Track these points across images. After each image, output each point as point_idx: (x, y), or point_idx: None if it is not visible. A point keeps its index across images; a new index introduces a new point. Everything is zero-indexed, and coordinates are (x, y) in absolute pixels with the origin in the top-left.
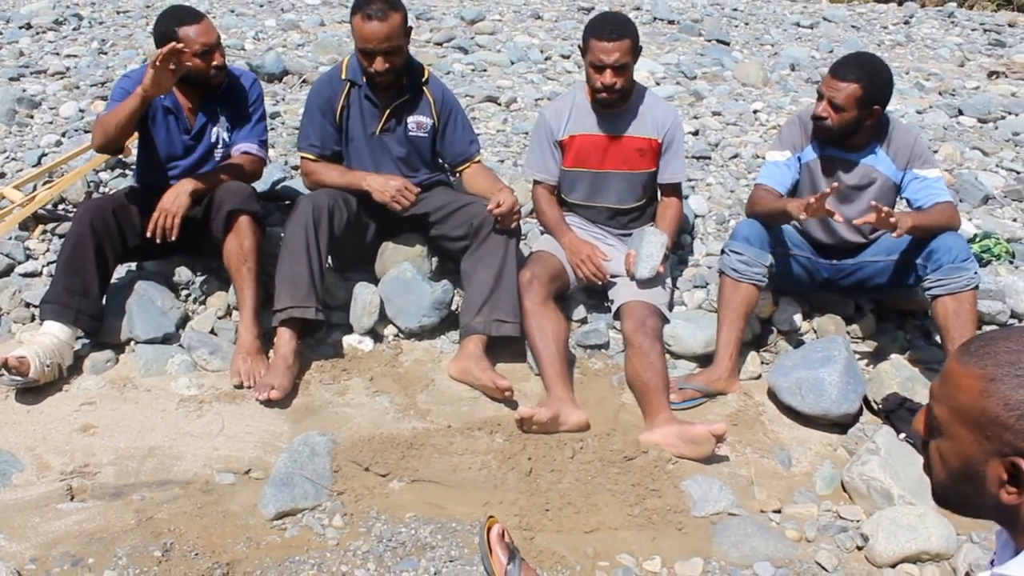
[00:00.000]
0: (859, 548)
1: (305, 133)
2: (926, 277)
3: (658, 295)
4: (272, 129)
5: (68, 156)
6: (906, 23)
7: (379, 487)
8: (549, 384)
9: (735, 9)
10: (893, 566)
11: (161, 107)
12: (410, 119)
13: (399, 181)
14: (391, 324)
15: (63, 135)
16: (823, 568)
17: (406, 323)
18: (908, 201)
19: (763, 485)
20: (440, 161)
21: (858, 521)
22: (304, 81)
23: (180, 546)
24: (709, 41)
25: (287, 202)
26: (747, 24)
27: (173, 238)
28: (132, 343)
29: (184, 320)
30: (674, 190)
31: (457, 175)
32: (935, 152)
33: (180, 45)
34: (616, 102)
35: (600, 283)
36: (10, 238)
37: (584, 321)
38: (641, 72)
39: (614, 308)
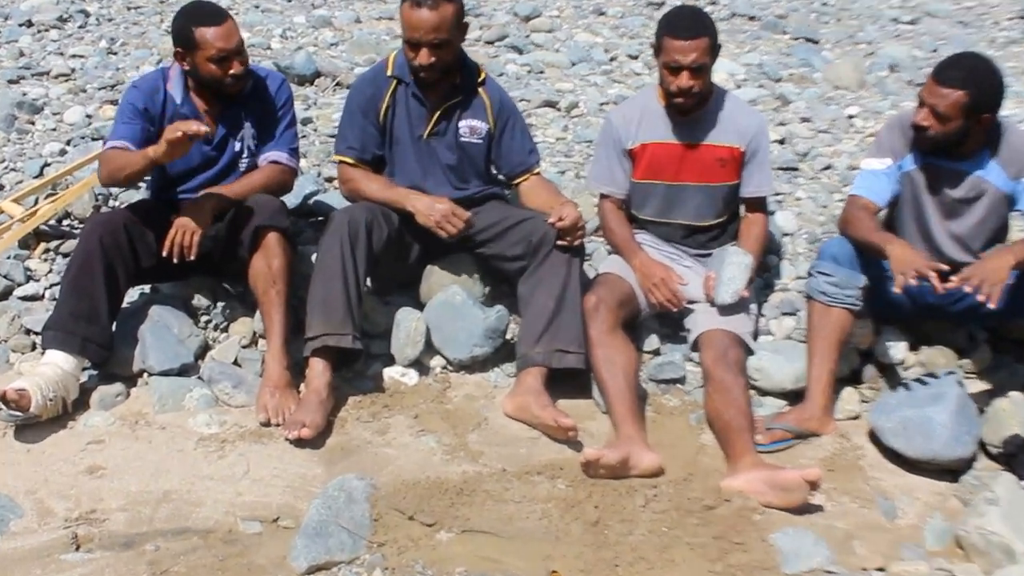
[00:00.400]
0: None
1: (343, 134)
2: None
3: (741, 323)
4: (303, 137)
5: (73, 166)
6: (1022, 18)
7: (425, 538)
8: (618, 423)
9: (824, 3)
10: None
11: (178, 114)
12: (462, 123)
13: (447, 205)
14: (438, 355)
15: (68, 143)
16: None
17: (455, 353)
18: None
19: (864, 539)
20: (494, 172)
21: None
22: (338, 84)
23: None
24: (795, 39)
25: (320, 218)
26: (838, 20)
27: (192, 258)
28: (145, 375)
29: (204, 349)
30: (759, 205)
31: (514, 188)
32: None
33: (199, 129)
34: (693, 107)
35: (675, 310)
36: (9, 257)
37: (657, 352)
38: (719, 74)
39: (692, 338)
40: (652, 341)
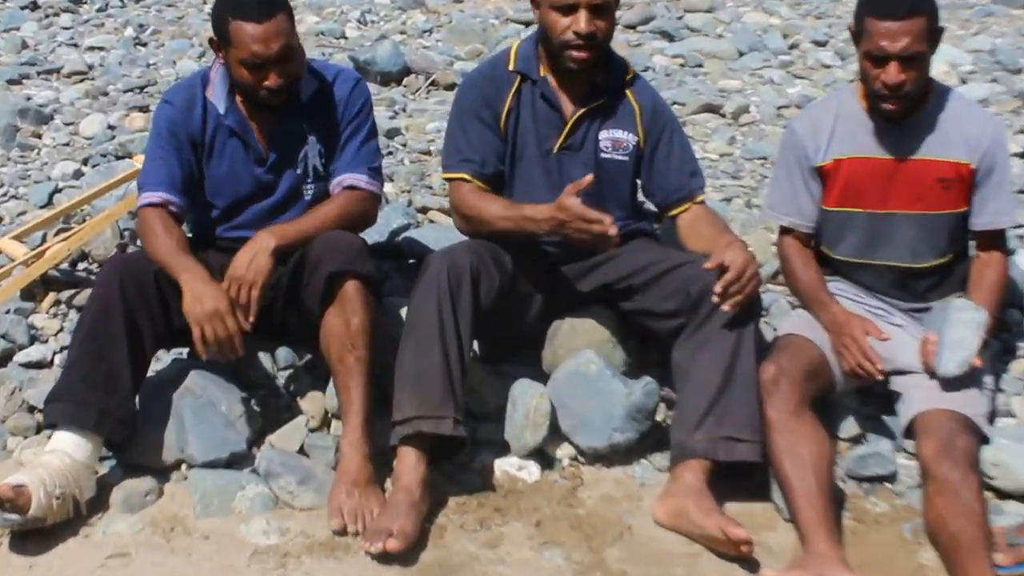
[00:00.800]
0: None
1: (455, 145)
2: None
3: (972, 402)
4: (388, 153)
5: (91, 194)
6: None
7: None
8: (807, 534)
9: None
10: None
11: (223, 127)
12: (604, 134)
13: (585, 211)
14: (567, 442)
15: (84, 162)
16: None
17: (589, 441)
18: None
19: None
20: (642, 200)
21: None
22: (433, 84)
23: None
24: None
25: (412, 261)
26: None
27: (251, 319)
28: (183, 467)
29: (260, 434)
30: (995, 241)
31: (668, 221)
32: None
33: (230, 342)
34: (905, 110)
35: (876, 378)
36: (9, 311)
37: (858, 440)
38: (938, 66)
39: (905, 421)
40: (851, 425)
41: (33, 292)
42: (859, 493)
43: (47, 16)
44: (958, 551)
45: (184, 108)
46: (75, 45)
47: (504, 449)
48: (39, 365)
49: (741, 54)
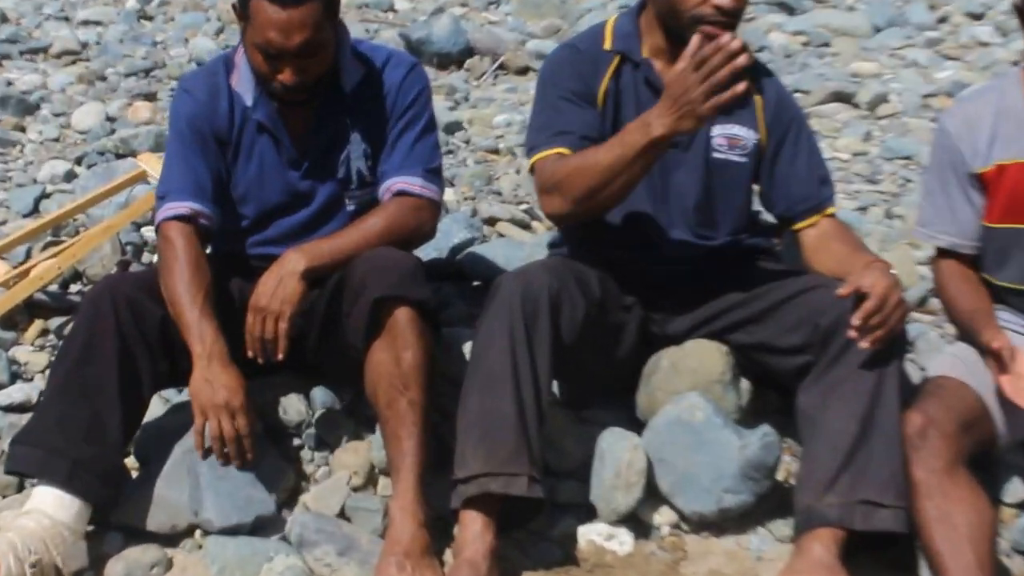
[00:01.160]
0: None
1: (545, 122)
2: None
3: None
4: (447, 152)
5: (87, 200)
6: None
7: None
8: None
9: None
10: None
11: (251, 122)
12: (718, 129)
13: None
14: (666, 505)
15: (78, 162)
16: None
17: (695, 504)
18: None
19: None
20: (759, 210)
21: None
22: (501, 67)
23: None
24: None
25: (476, 283)
26: None
27: (280, 357)
28: (198, 533)
29: (292, 493)
30: None
31: (789, 236)
32: None
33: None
34: None
35: None
36: None
37: None
38: None
39: None
40: (1017, 488)
41: (15, 320)
42: None
43: None
44: None
45: (207, 99)
46: (66, 19)
47: (590, 514)
48: (22, 408)
49: (878, 30)
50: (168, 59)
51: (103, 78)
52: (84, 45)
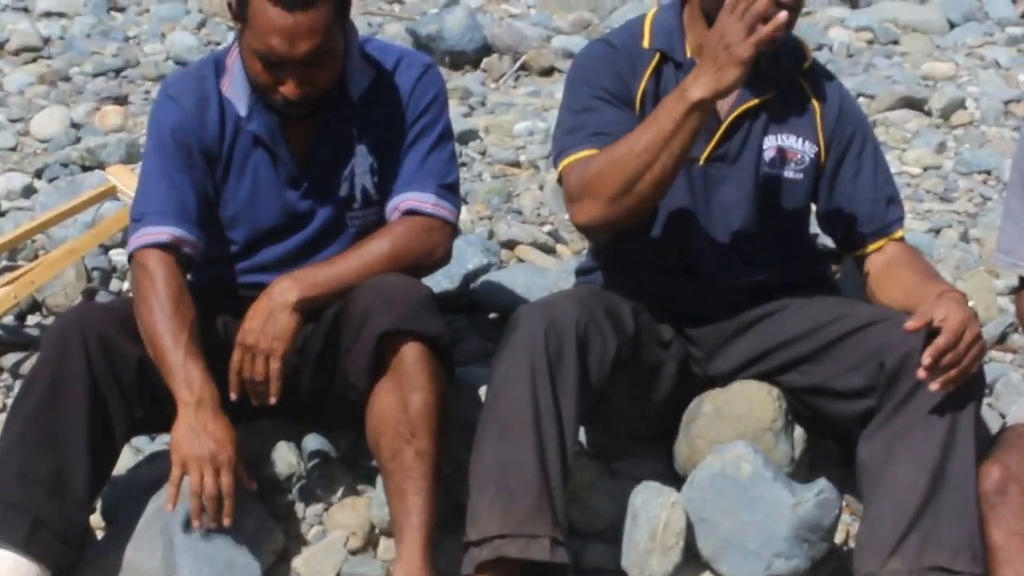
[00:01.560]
0: None
1: (578, 123)
2: None
3: None
4: (461, 164)
5: (48, 219)
6: None
7: None
8: None
9: None
10: None
11: (244, 134)
12: (770, 141)
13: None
14: (708, 571)
15: (37, 175)
16: None
17: (741, 570)
18: None
19: None
20: (818, 233)
21: None
22: (523, 67)
23: None
24: None
25: (493, 315)
26: None
27: (273, 401)
28: None
29: (281, 557)
30: None
31: (850, 263)
32: None
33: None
34: None
35: None
36: None
37: None
38: None
39: None
40: None
41: None
42: None
43: None
44: None
45: (195, 108)
46: (24, 10)
47: None
48: None
49: (953, 26)
50: (142, 57)
51: (67, 78)
52: (46, 40)
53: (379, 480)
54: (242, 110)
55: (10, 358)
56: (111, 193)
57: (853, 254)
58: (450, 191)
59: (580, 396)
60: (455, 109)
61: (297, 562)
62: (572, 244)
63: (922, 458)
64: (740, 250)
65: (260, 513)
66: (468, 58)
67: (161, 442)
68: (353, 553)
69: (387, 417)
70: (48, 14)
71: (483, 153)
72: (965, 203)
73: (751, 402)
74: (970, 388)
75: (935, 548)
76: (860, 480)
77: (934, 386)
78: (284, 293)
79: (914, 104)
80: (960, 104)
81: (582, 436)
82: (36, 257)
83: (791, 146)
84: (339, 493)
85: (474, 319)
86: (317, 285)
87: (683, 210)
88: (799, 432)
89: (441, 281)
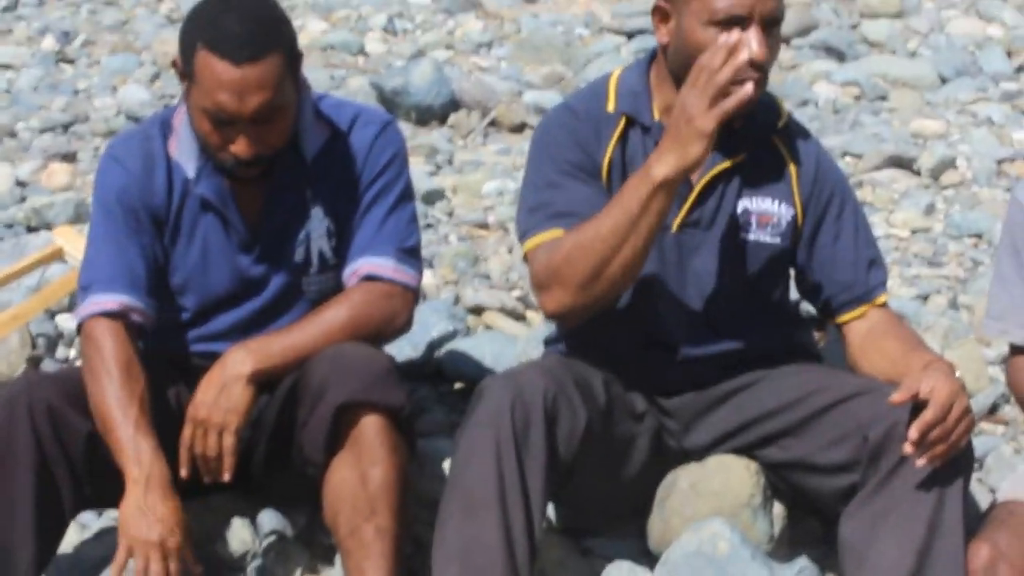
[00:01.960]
0: None
1: (542, 199)
2: None
3: None
4: (427, 226)
5: None
6: None
7: None
8: None
9: None
10: None
11: (193, 198)
12: (745, 204)
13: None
14: None
15: None
16: None
17: None
18: None
19: None
20: (798, 299)
21: None
22: (492, 123)
23: None
24: None
25: (458, 385)
26: None
27: (227, 478)
28: None
29: None
30: None
31: (833, 331)
32: None
33: None
34: None
35: None
36: None
37: None
38: None
39: None
40: None
41: None
42: None
43: None
44: None
45: (141, 171)
46: None
47: None
48: None
49: (944, 81)
50: (92, 111)
51: (12, 134)
52: None
53: (338, 559)
54: (190, 172)
55: None
56: (58, 255)
57: (834, 321)
58: (411, 255)
59: (548, 471)
60: (421, 167)
61: None
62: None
63: (908, 536)
64: (716, 319)
65: None
66: (435, 114)
67: (109, 517)
68: None
69: (345, 493)
70: None
71: (450, 214)
72: (955, 268)
73: (728, 477)
74: (958, 463)
75: None
76: (842, 559)
77: (921, 462)
78: (238, 364)
79: (902, 163)
80: (951, 163)
81: (551, 512)
82: None
83: (767, 209)
84: (297, 573)
85: (439, 389)
86: (272, 355)
87: (655, 279)
88: (778, 508)
89: (405, 349)
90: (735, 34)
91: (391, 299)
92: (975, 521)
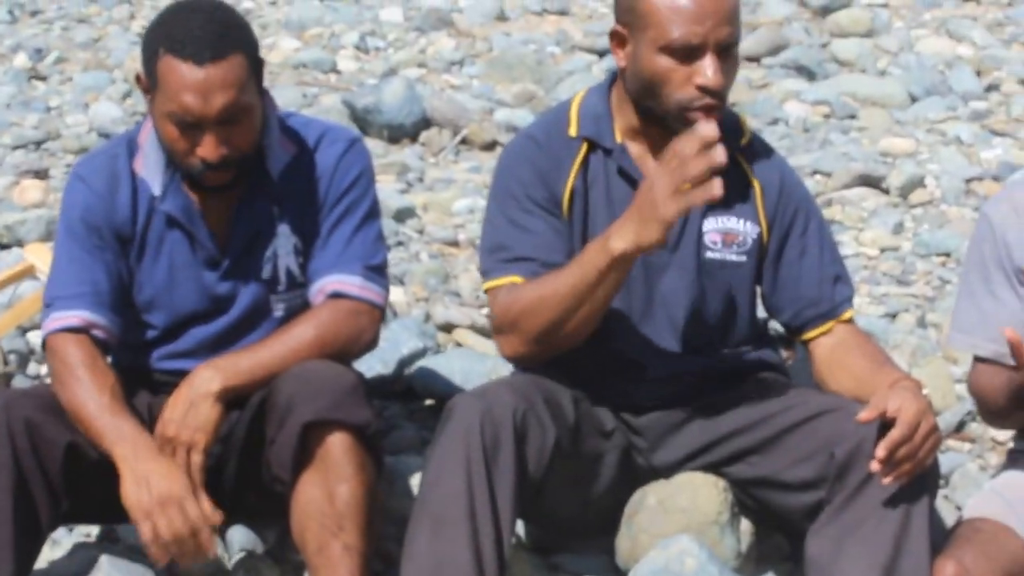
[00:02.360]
0: None
1: (500, 241)
2: None
3: None
4: (397, 244)
5: None
6: None
7: None
8: None
9: None
10: None
11: (159, 215)
12: (710, 223)
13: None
14: None
15: None
16: None
17: None
18: None
19: None
20: (765, 317)
21: None
22: (463, 141)
23: None
24: None
25: (429, 402)
26: None
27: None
28: None
29: None
30: None
31: (801, 348)
32: None
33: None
34: None
35: None
36: None
37: None
38: None
39: None
40: None
41: None
42: None
43: None
44: None
45: (105, 189)
46: None
47: None
48: None
49: (914, 100)
50: (64, 128)
51: None
52: None
53: (307, 574)
54: (156, 189)
55: None
56: (29, 272)
57: (800, 338)
58: (377, 272)
59: (517, 488)
60: (392, 185)
61: None
62: None
63: (873, 553)
64: (684, 338)
65: None
66: (406, 131)
67: (80, 532)
68: None
69: (312, 510)
70: None
71: (421, 232)
72: (923, 287)
73: (696, 494)
74: (924, 481)
75: None
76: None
77: (887, 480)
78: (206, 382)
79: (872, 182)
80: (920, 182)
81: (520, 529)
82: None
83: (732, 228)
84: None
85: (409, 406)
86: (240, 373)
87: (622, 300)
88: (746, 525)
89: (375, 366)
90: (711, 126)
91: (358, 316)
92: (941, 538)
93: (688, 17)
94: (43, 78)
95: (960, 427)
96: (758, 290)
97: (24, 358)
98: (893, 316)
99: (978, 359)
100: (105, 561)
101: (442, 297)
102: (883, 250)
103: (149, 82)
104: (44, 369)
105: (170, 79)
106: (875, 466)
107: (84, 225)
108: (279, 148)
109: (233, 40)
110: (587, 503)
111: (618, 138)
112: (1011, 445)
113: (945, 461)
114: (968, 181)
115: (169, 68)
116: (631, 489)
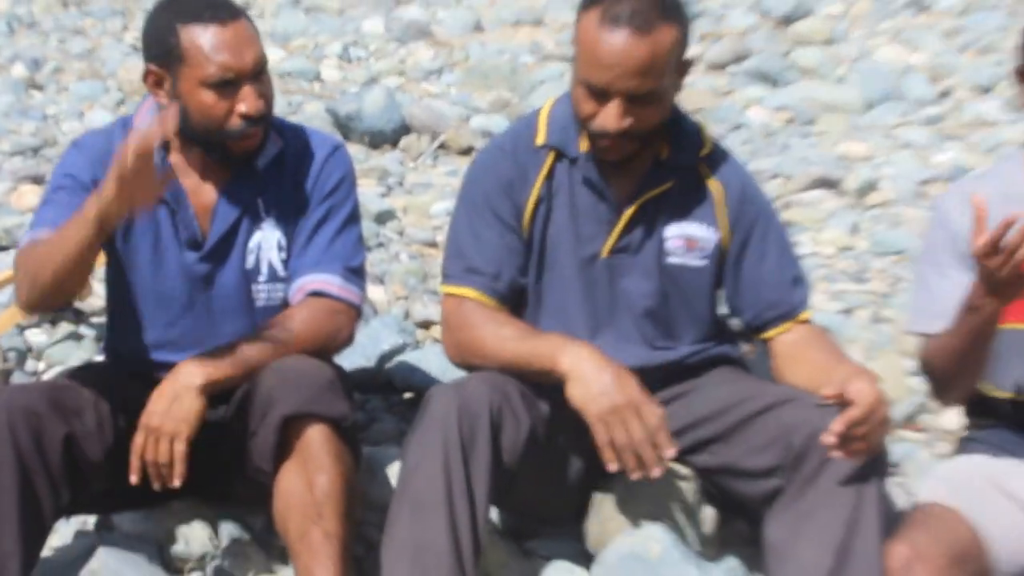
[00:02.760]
0: None
1: (461, 247)
2: None
3: None
4: (378, 245)
5: None
6: None
7: None
8: None
9: None
10: None
11: None
12: (672, 230)
13: (649, 410)
14: None
15: None
16: None
17: None
18: None
19: None
20: (726, 315)
21: None
22: (441, 147)
23: None
24: None
25: (407, 395)
26: None
27: (177, 484)
28: None
29: None
30: None
31: (760, 344)
32: None
33: (163, 129)
34: None
35: None
36: None
37: None
38: None
39: None
40: None
41: None
42: None
43: None
44: None
45: (99, 156)
46: None
47: None
48: None
49: (870, 106)
50: (60, 135)
51: None
52: None
53: (289, 563)
54: None
55: None
56: None
57: (760, 337)
58: (356, 274)
59: (492, 475)
60: (373, 189)
61: None
62: None
63: (827, 536)
64: (647, 336)
65: None
66: (387, 137)
67: (77, 521)
68: None
69: (293, 499)
70: None
71: (400, 233)
72: (878, 284)
73: (661, 482)
74: (875, 466)
75: None
76: (767, 559)
77: (837, 454)
78: (190, 376)
79: (829, 184)
80: (875, 185)
81: (495, 516)
82: None
83: (693, 234)
84: (253, 573)
85: (389, 399)
86: (223, 367)
87: (587, 302)
88: (709, 511)
89: (357, 361)
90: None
91: (336, 315)
92: (893, 523)
93: (596, 61)
94: (40, 87)
95: (911, 418)
96: (719, 292)
97: (22, 355)
98: (849, 312)
99: (929, 337)
100: (102, 550)
101: (421, 295)
102: (840, 249)
103: (169, 63)
104: (42, 366)
105: (201, 45)
106: (830, 439)
107: (73, 181)
108: (268, 140)
109: (237, 8)
110: (559, 490)
111: (583, 147)
112: (964, 434)
113: (898, 450)
114: (921, 183)
115: (196, 35)
116: (600, 478)
